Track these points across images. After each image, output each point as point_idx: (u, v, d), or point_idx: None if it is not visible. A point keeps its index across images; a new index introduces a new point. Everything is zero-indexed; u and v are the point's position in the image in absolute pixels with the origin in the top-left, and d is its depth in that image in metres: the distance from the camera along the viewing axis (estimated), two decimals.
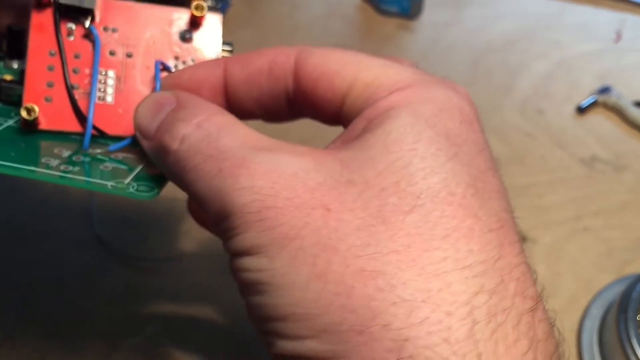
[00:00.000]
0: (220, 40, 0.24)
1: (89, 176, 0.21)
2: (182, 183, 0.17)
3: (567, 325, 0.33)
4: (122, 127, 0.23)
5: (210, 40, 0.23)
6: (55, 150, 0.22)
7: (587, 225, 0.38)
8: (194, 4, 0.22)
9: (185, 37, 0.23)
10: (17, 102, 0.24)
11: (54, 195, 0.38)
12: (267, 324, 0.15)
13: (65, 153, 0.22)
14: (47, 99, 0.22)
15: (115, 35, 0.23)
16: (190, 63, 0.23)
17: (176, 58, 0.23)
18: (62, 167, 0.21)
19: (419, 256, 0.14)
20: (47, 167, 0.21)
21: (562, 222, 0.38)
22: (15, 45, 0.25)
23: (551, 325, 0.15)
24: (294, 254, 0.14)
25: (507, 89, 0.46)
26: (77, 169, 0.21)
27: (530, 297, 0.14)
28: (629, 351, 0.29)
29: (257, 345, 0.33)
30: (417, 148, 0.15)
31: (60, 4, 0.22)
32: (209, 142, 0.16)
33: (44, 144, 0.23)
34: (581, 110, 0.45)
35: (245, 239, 0.15)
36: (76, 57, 0.23)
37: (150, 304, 0.34)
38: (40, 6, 0.22)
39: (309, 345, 0.14)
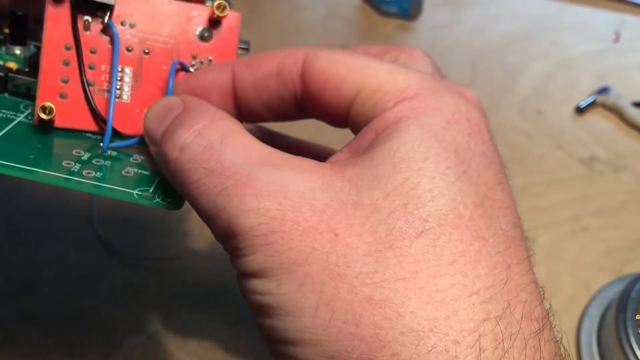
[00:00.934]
0: (238, 39, 0.23)
1: (112, 183, 0.21)
2: (186, 195, 0.17)
3: (566, 325, 0.33)
4: (138, 126, 0.22)
5: (229, 39, 0.23)
6: (74, 152, 0.21)
7: (586, 225, 0.38)
8: (216, 3, 0.22)
9: (205, 35, 0.23)
10: (24, 94, 0.23)
11: (55, 195, 0.38)
12: (279, 346, 0.15)
13: (85, 155, 0.21)
14: (61, 96, 0.22)
15: (133, 30, 0.22)
16: (209, 62, 0.23)
17: (194, 57, 0.23)
18: (84, 172, 0.21)
19: (426, 283, 0.14)
20: (72, 173, 0.21)
21: (561, 222, 0.38)
22: (18, 30, 0.24)
23: (557, 343, 0.15)
24: (302, 280, 0.14)
25: (507, 89, 0.46)
26: (99, 174, 0.21)
27: (536, 319, 0.14)
28: (628, 351, 0.29)
29: (257, 345, 0.33)
30: (425, 167, 0.15)
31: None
32: (211, 154, 0.16)
33: (60, 143, 0.22)
34: (580, 111, 0.45)
35: (252, 261, 0.15)
36: (92, 52, 0.22)
37: (150, 304, 0.34)
38: (56, 3, 0.21)
39: None
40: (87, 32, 0.22)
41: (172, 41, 0.23)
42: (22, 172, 0.21)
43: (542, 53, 0.49)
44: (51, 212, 0.37)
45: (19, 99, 0.23)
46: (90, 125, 0.22)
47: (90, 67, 0.22)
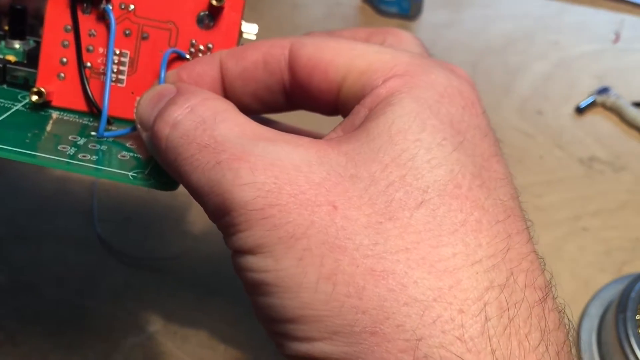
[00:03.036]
0: (240, 26, 0.22)
1: (109, 166, 0.21)
2: (178, 174, 0.16)
3: None
4: (133, 111, 0.22)
5: (230, 26, 0.22)
6: (70, 137, 0.22)
7: (585, 225, 0.38)
8: None
9: (205, 21, 0.22)
10: (22, 85, 0.23)
11: (55, 194, 0.38)
12: (277, 325, 0.14)
13: (81, 140, 0.22)
14: (59, 77, 0.22)
15: (132, 13, 0.22)
16: (207, 49, 0.22)
17: (193, 43, 0.22)
18: (79, 155, 0.21)
19: (428, 253, 0.13)
20: (68, 156, 0.21)
21: (560, 222, 0.38)
22: (17, 24, 0.24)
23: (560, 313, 0.15)
24: (300, 255, 0.14)
25: (507, 89, 0.46)
26: (94, 157, 0.21)
27: (539, 288, 0.14)
28: (628, 351, 0.29)
29: (257, 345, 0.33)
30: (422, 138, 0.15)
31: None
32: (204, 129, 0.16)
33: (56, 128, 0.22)
34: (580, 111, 0.45)
35: (248, 237, 0.14)
36: (91, 35, 0.22)
37: (150, 304, 0.34)
38: None
39: (321, 347, 0.14)
40: (87, 15, 0.22)
41: (171, 26, 0.22)
42: (23, 156, 0.21)
43: (542, 53, 0.49)
44: (51, 212, 0.37)
45: (17, 90, 0.23)
46: (86, 107, 0.22)
47: (88, 50, 0.22)
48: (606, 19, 0.52)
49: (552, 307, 0.14)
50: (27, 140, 0.21)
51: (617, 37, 0.51)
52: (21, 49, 0.24)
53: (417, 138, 0.15)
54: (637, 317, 0.30)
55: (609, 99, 0.45)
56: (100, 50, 0.22)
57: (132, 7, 0.22)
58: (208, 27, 0.22)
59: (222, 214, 0.15)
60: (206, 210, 0.16)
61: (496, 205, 0.15)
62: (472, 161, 0.15)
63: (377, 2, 0.51)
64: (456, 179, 0.15)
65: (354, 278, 0.13)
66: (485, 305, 0.13)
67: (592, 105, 0.45)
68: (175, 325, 0.33)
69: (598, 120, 0.45)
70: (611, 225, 0.38)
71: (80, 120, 0.23)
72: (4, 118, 0.22)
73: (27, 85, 0.23)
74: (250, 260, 0.15)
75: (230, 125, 0.16)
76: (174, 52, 0.22)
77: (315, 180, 0.14)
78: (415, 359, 0.13)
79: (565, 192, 0.40)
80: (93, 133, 0.22)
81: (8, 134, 0.21)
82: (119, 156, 0.21)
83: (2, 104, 0.23)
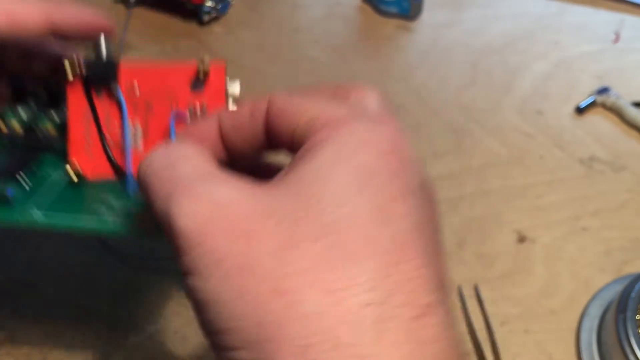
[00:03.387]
0: (225, 86, 0.27)
1: (141, 225, 0.26)
2: (148, 203, 0.20)
3: (566, 325, 0.34)
4: None
5: (217, 87, 0.27)
6: (105, 200, 0.27)
7: (585, 225, 0.38)
8: (199, 59, 0.27)
9: (196, 87, 0.27)
10: (59, 154, 0.28)
11: None
12: (210, 337, 0.18)
13: (115, 203, 0.26)
14: (88, 153, 0.27)
15: (137, 92, 0.27)
16: (202, 108, 0.27)
17: (190, 105, 0.27)
18: (115, 216, 0.26)
19: (320, 277, 0.17)
20: (106, 219, 0.26)
21: (560, 222, 0.38)
22: (53, 98, 0.29)
23: (447, 330, 0.17)
24: (222, 276, 0.17)
25: (507, 89, 0.46)
26: (126, 217, 0.25)
27: (419, 306, 0.17)
28: (628, 350, 0.29)
29: None
30: (330, 183, 0.18)
31: (88, 77, 0.26)
32: (167, 169, 0.20)
33: (92, 194, 0.27)
34: (580, 111, 0.45)
35: (186, 260, 0.18)
36: (107, 115, 0.27)
37: (150, 303, 0.34)
38: (73, 82, 0.27)
39: (241, 355, 0.17)
40: (101, 99, 0.27)
41: (170, 95, 0.27)
42: (70, 222, 0.26)
43: (542, 53, 0.49)
44: None
45: (57, 158, 0.28)
46: (114, 174, 0.27)
47: (107, 126, 0.27)
48: (606, 19, 0.53)
49: (434, 323, 0.17)
50: (71, 208, 0.26)
51: (617, 37, 0.51)
52: (58, 120, 0.29)
53: (327, 182, 0.18)
54: (637, 317, 0.30)
55: (609, 99, 0.45)
56: (117, 123, 0.27)
57: (136, 86, 0.27)
58: (200, 91, 0.27)
59: (170, 239, 0.18)
60: (165, 236, 0.19)
61: (388, 238, 0.17)
62: (374, 201, 0.18)
63: (377, 2, 0.51)
64: (354, 217, 0.17)
65: (258, 296, 0.17)
66: (362, 319, 0.16)
67: (592, 105, 0.45)
68: (175, 325, 0.33)
69: (598, 120, 0.45)
70: (611, 225, 0.38)
71: (112, 184, 0.27)
72: (47, 189, 0.27)
73: (65, 155, 0.28)
74: (188, 281, 0.18)
75: (188, 167, 0.20)
76: (177, 115, 0.27)
77: (240, 215, 0.18)
78: None
79: (565, 192, 0.40)
80: (125, 190, 0.26)
81: (54, 204, 0.26)
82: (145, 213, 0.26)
83: (45, 173, 0.28)
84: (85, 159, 0.27)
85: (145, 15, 0.51)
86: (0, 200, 0.27)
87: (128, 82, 0.27)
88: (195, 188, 0.18)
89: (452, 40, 0.50)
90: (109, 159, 0.27)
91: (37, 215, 0.27)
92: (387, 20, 0.52)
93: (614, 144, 0.43)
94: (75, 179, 0.27)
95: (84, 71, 0.27)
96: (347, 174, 0.18)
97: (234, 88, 0.28)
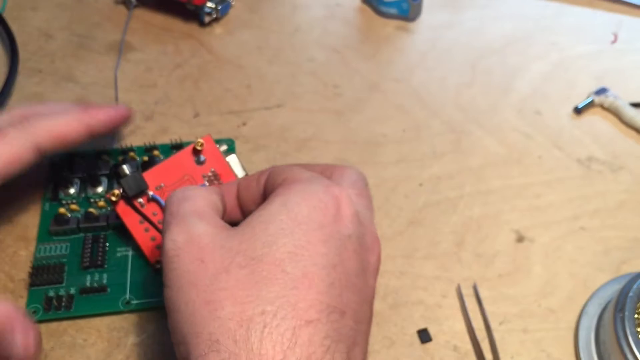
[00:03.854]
0: (219, 151, 0.36)
1: None
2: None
3: (564, 324, 0.34)
4: None
5: (214, 155, 0.36)
6: None
7: (584, 224, 0.38)
8: (197, 141, 0.35)
9: (200, 160, 0.35)
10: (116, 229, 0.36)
11: None
12: (172, 336, 0.23)
13: None
14: (157, 247, 0.34)
15: (164, 187, 0.34)
16: (212, 173, 0.35)
17: (203, 176, 0.35)
18: None
19: (237, 293, 0.22)
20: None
21: (559, 221, 0.38)
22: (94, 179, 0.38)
23: (322, 338, 0.22)
24: (179, 289, 0.23)
25: (505, 89, 0.47)
26: None
27: (301, 320, 0.22)
28: (626, 349, 0.29)
29: None
30: (269, 226, 0.24)
31: (127, 196, 0.33)
32: (178, 201, 0.26)
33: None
34: (578, 111, 0.45)
35: (164, 275, 0.24)
36: (154, 214, 0.34)
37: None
38: (116, 202, 0.34)
39: (180, 349, 0.23)
40: (144, 206, 0.34)
41: (186, 177, 0.35)
42: (156, 305, 0.34)
43: (540, 54, 0.50)
44: None
45: (123, 243, 0.36)
46: None
47: (160, 222, 0.34)
48: (604, 20, 0.53)
49: (310, 332, 0.22)
50: (156, 291, 0.34)
51: (615, 38, 0.51)
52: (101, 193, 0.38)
53: (266, 226, 0.24)
54: (635, 316, 0.30)
55: (607, 100, 0.45)
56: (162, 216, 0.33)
57: (162, 184, 0.34)
58: (204, 163, 0.35)
59: (161, 256, 0.25)
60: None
61: (298, 270, 0.23)
62: (294, 243, 0.23)
63: (376, 3, 0.52)
64: (275, 253, 0.23)
65: (195, 304, 0.22)
66: (252, 324, 0.21)
67: (590, 105, 0.45)
68: None
69: (596, 121, 0.45)
70: (609, 225, 0.38)
71: None
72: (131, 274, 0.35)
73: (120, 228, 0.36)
74: (163, 291, 0.24)
75: (190, 204, 0.26)
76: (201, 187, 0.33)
77: (204, 245, 0.24)
78: (211, 349, 0.21)
79: (563, 192, 0.40)
80: None
81: (140, 291, 0.34)
82: None
83: (124, 253, 0.35)
84: (159, 253, 0.32)
85: (146, 16, 0.51)
86: (99, 290, 0.33)
87: (153, 183, 0.34)
88: (185, 220, 0.25)
89: (451, 41, 0.51)
90: None
91: (132, 302, 0.33)
92: (387, 21, 0.52)
93: (612, 144, 0.43)
94: (159, 266, 0.33)
95: (121, 192, 0.33)
96: (283, 221, 0.24)
97: (232, 159, 0.36)
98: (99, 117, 0.34)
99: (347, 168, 0.28)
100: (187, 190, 0.27)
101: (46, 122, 0.32)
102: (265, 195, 0.27)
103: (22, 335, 0.27)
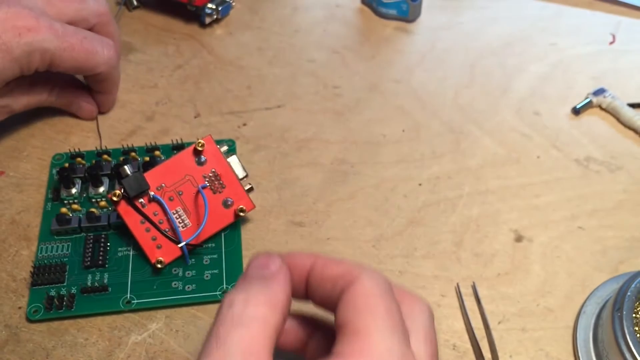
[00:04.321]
0: (219, 152, 0.36)
1: (204, 291, 0.34)
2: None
3: (563, 323, 0.34)
4: (202, 235, 0.35)
5: (214, 155, 0.36)
6: (173, 271, 0.35)
7: (582, 224, 0.38)
8: (197, 141, 0.35)
9: (201, 161, 0.36)
10: (117, 229, 0.36)
11: None
12: None
13: (180, 272, 0.35)
14: (158, 247, 0.34)
15: (165, 187, 0.35)
16: (213, 173, 0.35)
17: (204, 176, 0.35)
18: (186, 288, 0.34)
19: None
20: (180, 292, 0.34)
21: (557, 221, 0.38)
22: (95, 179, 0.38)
23: None
24: None
25: (504, 90, 0.47)
26: (194, 286, 0.34)
27: None
28: (624, 348, 0.29)
29: None
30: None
31: (129, 196, 0.34)
32: (229, 328, 0.22)
33: (164, 271, 0.35)
34: (576, 112, 0.45)
35: None
36: (155, 214, 0.34)
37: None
38: (117, 202, 0.34)
39: None
40: (145, 206, 0.34)
41: (187, 177, 0.35)
42: (158, 303, 0.34)
43: (539, 55, 0.50)
44: None
45: (119, 233, 0.36)
46: (180, 252, 0.35)
47: (160, 222, 0.34)
48: (602, 21, 0.53)
49: None
50: (154, 287, 0.34)
51: (614, 39, 0.51)
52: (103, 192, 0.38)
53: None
54: (633, 315, 0.30)
55: (605, 100, 0.45)
56: (165, 217, 0.34)
57: (163, 185, 0.35)
58: (205, 163, 0.35)
59: None
60: None
61: None
62: None
63: (376, 4, 0.52)
64: None
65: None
66: None
67: (588, 106, 0.45)
68: (177, 323, 0.33)
69: (594, 121, 0.45)
70: (607, 225, 0.38)
71: (178, 261, 0.35)
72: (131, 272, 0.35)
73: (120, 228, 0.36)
74: None
75: (239, 335, 0.22)
76: (200, 188, 0.35)
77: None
78: None
79: (562, 192, 0.40)
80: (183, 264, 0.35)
81: (141, 291, 0.34)
82: (204, 277, 0.34)
83: (125, 252, 0.35)
84: (159, 253, 0.34)
85: (146, 17, 0.51)
86: (100, 290, 0.33)
87: (154, 183, 0.34)
88: (227, 358, 0.21)
89: (451, 42, 0.51)
90: (169, 240, 0.34)
91: (133, 302, 0.33)
92: (386, 22, 0.52)
93: (610, 144, 0.43)
94: (159, 266, 0.34)
95: (122, 192, 0.34)
96: None
97: (233, 159, 0.36)
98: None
99: (417, 302, 0.26)
100: (249, 306, 0.23)
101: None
102: (336, 307, 0.24)
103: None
